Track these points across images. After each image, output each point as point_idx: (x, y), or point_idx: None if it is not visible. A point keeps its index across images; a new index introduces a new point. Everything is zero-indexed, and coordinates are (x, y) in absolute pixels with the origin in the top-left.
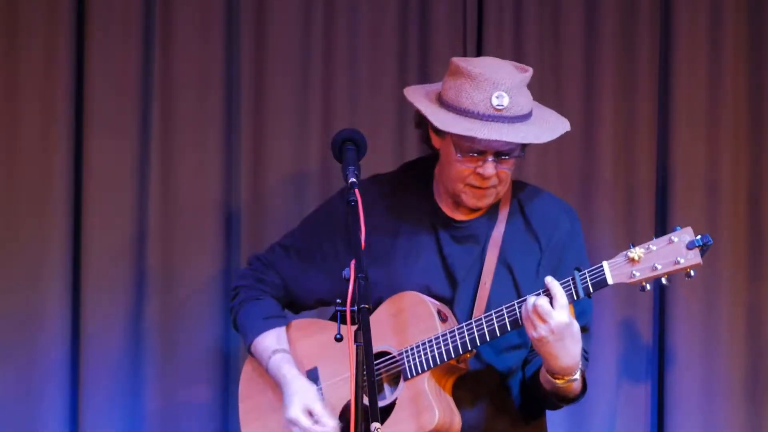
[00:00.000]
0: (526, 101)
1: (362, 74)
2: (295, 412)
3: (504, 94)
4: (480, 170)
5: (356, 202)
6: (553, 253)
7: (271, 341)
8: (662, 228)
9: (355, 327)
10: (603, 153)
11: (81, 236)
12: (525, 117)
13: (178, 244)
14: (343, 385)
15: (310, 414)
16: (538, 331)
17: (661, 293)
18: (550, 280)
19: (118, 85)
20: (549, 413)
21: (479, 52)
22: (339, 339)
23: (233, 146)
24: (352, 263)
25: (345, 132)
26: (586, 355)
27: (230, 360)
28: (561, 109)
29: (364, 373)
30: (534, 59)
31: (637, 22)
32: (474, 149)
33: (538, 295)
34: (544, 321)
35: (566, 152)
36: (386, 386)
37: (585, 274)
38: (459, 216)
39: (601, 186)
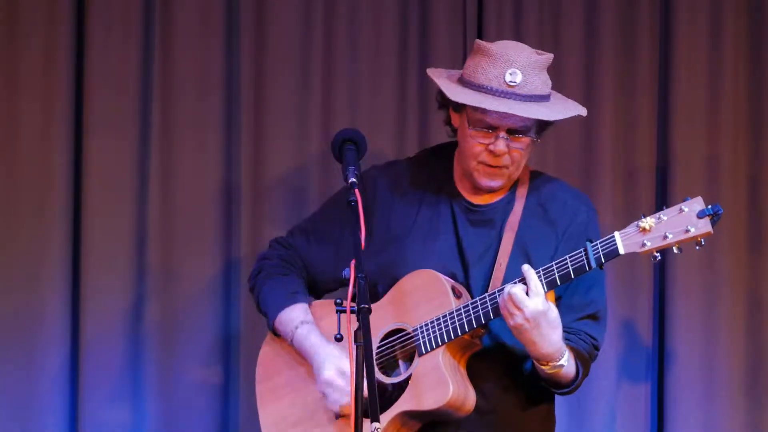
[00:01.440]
0: (541, 83)
1: (362, 74)
2: (329, 373)
3: (517, 71)
4: (492, 147)
5: (356, 202)
6: (570, 241)
7: (298, 313)
8: None
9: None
10: (603, 152)
11: (81, 236)
12: (539, 98)
13: (177, 244)
14: None
15: (344, 375)
16: (514, 320)
17: (661, 293)
18: (527, 269)
19: (118, 85)
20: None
21: None
22: (339, 339)
23: (233, 146)
24: (352, 263)
25: (345, 132)
26: (595, 342)
27: (230, 359)
28: None
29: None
30: None
31: (637, 22)
32: (486, 124)
33: (515, 283)
34: (519, 309)
35: (566, 152)
36: (401, 363)
37: (597, 245)
38: (477, 200)
39: (601, 185)
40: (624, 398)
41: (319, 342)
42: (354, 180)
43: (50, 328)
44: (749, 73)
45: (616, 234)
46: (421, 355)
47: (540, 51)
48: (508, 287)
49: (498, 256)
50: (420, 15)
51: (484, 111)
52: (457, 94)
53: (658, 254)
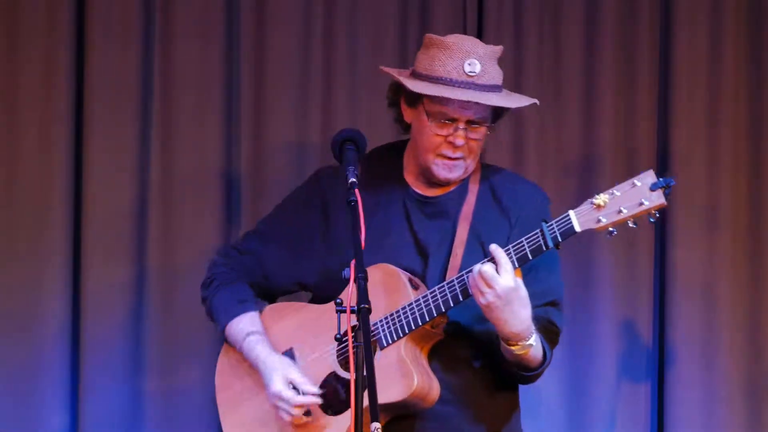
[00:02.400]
0: (496, 74)
1: (362, 74)
2: (278, 386)
3: (476, 61)
4: (451, 138)
5: (356, 202)
6: (523, 229)
7: (245, 324)
8: (662, 228)
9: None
10: (603, 152)
11: (81, 236)
12: (496, 88)
13: (178, 244)
14: (319, 362)
15: (292, 385)
16: (485, 297)
17: (661, 293)
18: (495, 248)
19: (118, 85)
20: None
21: None
22: (339, 339)
23: (233, 146)
24: (352, 263)
25: (345, 132)
26: (554, 328)
27: None
28: (561, 109)
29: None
30: (534, 59)
31: (637, 22)
32: (446, 116)
33: (484, 263)
34: (490, 286)
35: (566, 152)
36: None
37: (552, 224)
38: (430, 193)
39: (601, 185)
40: (624, 398)
41: (263, 354)
42: (354, 180)
43: (50, 328)
44: (749, 73)
45: (571, 212)
46: (382, 348)
47: (497, 45)
48: (478, 266)
49: (453, 247)
50: (420, 15)
51: (444, 103)
52: (418, 86)
53: (614, 230)
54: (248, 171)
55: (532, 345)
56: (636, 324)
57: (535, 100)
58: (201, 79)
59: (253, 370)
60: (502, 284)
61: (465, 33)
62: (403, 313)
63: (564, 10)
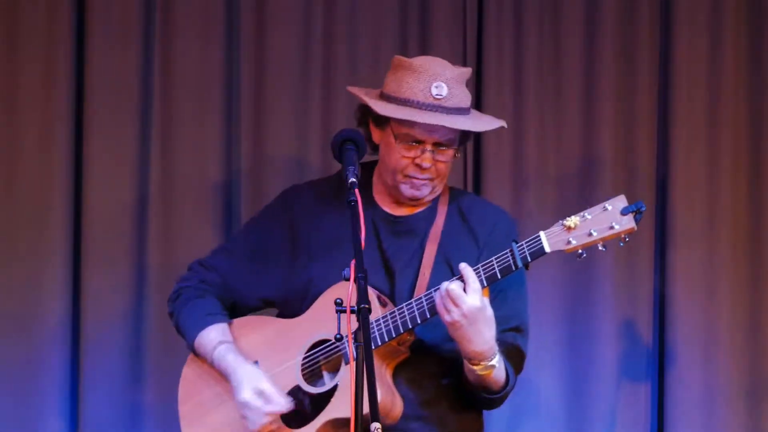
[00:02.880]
0: (464, 96)
1: (362, 74)
2: (247, 394)
3: (443, 84)
4: (418, 160)
5: (356, 202)
6: (491, 250)
7: (215, 334)
8: (662, 228)
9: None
10: (603, 153)
11: (81, 236)
12: (463, 110)
13: (178, 244)
14: (284, 376)
15: (261, 395)
16: (451, 315)
17: (661, 293)
18: (464, 266)
19: (118, 85)
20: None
21: (479, 52)
22: (339, 339)
23: (233, 146)
24: (352, 263)
25: (345, 132)
26: (519, 353)
27: None
28: (561, 109)
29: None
30: (534, 59)
31: (637, 22)
32: (413, 138)
33: (452, 281)
34: (456, 305)
35: (566, 152)
36: (326, 374)
37: (522, 245)
38: (398, 212)
39: (601, 185)
40: (624, 398)
41: (235, 362)
42: (354, 180)
43: (50, 328)
44: (749, 73)
45: (541, 233)
46: (347, 363)
47: (458, 66)
48: (446, 284)
49: (422, 266)
50: (420, 15)
51: (411, 125)
52: (385, 108)
53: (584, 252)
54: (248, 171)
55: (495, 366)
56: (636, 324)
57: (503, 123)
58: (201, 79)
59: (219, 379)
60: (468, 303)
61: (465, 33)
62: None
63: (564, 10)
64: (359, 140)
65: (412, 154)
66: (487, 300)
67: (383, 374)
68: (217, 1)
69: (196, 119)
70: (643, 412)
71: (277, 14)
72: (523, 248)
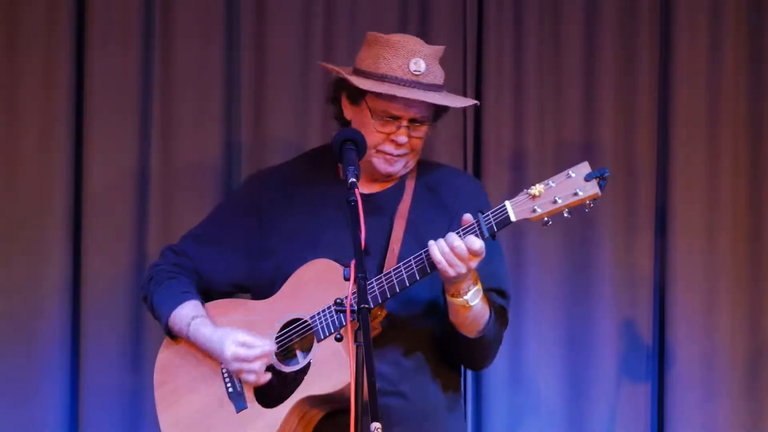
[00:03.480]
0: (440, 73)
1: None
2: (231, 348)
3: (421, 60)
4: (394, 136)
5: (356, 202)
6: (459, 221)
7: (189, 309)
8: (662, 227)
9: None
10: (603, 153)
11: (81, 236)
12: (439, 87)
13: None
14: None
15: (244, 344)
16: (456, 270)
17: (661, 293)
18: (469, 217)
19: (118, 85)
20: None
21: (479, 53)
22: (339, 339)
23: (233, 146)
24: (352, 263)
25: (345, 132)
26: (503, 312)
27: None
28: (561, 109)
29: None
30: (534, 59)
31: (637, 22)
32: (390, 114)
33: (453, 239)
34: (462, 260)
35: (566, 152)
36: (299, 353)
37: (488, 215)
38: (365, 190)
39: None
40: (624, 398)
41: (210, 329)
42: (354, 180)
43: (50, 327)
44: (749, 73)
45: (507, 203)
46: (319, 341)
47: (431, 44)
48: (458, 239)
49: (390, 242)
50: (420, 15)
51: (388, 101)
52: (365, 83)
53: (549, 219)
54: (248, 171)
55: (480, 290)
56: (636, 324)
57: (475, 101)
58: (201, 79)
59: (196, 362)
60: (472, 259)
61: (465, 33)
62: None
63: (564, 10)
64: (359, 140)
65: (387, 129)
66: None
67: (355, 351)
68: (217, 1)
69: (196, 119)
70: (643, 412)
71: (277, 14)
72: (489, 218)
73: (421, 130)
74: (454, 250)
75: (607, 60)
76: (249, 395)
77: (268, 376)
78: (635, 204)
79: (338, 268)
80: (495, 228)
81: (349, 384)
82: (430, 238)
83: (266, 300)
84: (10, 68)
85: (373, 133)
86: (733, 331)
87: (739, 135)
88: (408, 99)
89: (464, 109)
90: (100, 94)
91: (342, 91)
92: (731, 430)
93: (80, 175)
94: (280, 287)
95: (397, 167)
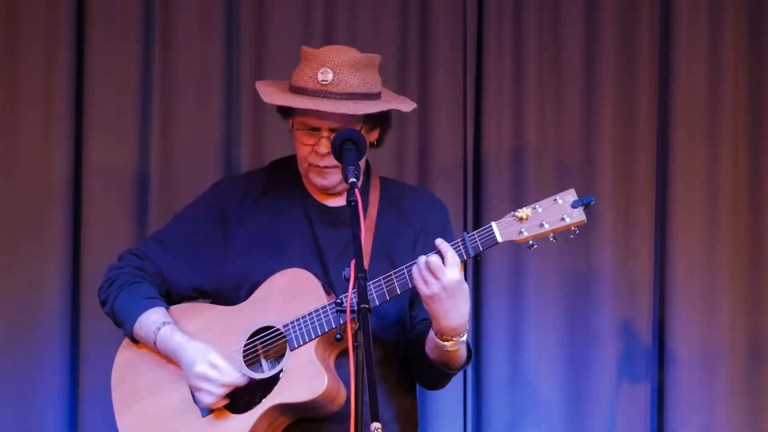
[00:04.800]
0: (358, 81)
1: None
2: (201, 367)
3: (329, 70)
4: (316, 148)
5: (356, 202)
6: (429, 236)
7: (157, 316)
8: (662, 228)
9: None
10: (603, 153)
11: (81, 236)
12: (359, 96)
13: None
14: (230, 358)
15: (215, 368)
16: (430, 288)
17: (661, 293)
18: (440, 242)
19: (118, 85)
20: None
21: (479, 53)
22: (339, 339)
23: (233, 146)
24: (352, 263)
25: (345, 132)
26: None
27: None
28: (561, 109)
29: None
30: (534, 59)
31: (637, 22)
32: (309, 125)
33: (430, 255)
34: (436, 277)
35: (566, 152)
36: (266, 362)
37: (474, 234)
38: (330, 202)
39: (601, 186)
40: (624, 398)
41: (184, 340)
42: (354, 180)
43: (50, 327)
44: (749, 73)
45: (493, 224)
46: (293, 349)
47: (370, 54)
48: (423, 258)
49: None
50: (420, 15)
51: (304, 113)
52: (272, 97)
53: (534, 243)
54: (249, 169)
55: (464, 342)
56: (636, 324)
57: (407, 107)
58: (201, 78)
59: (159, 364)
60: (449, 276)
61: (465, 33)
62: (316, 316)
63: (564, 10)
64: (359, 140)
65: (311, 141)
66: (462, 274)
67: (327, 362)
68: (217, 1)
69: (196, 119)
70: (643, 413)
71: (277, 14)
72: (475, 238)
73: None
74: (429, 266)
75: (607, 60)
76: None
77: (224, 403)
78: (635, 204)
79: (312, 278)
80: (480, 248)
81: (323, 393)
82: (398, 254)
83: (234, 306)
84: (10, 67)
85: (300, 146)
86: (733, 331)
87: (739, 135)
88: (320, 110)
89: (464, 109)
90: (100, 94)
91: (282, 115)
92: (731, 430)
93: (80, 174)
94: (246, 293)
95: (331, 180)
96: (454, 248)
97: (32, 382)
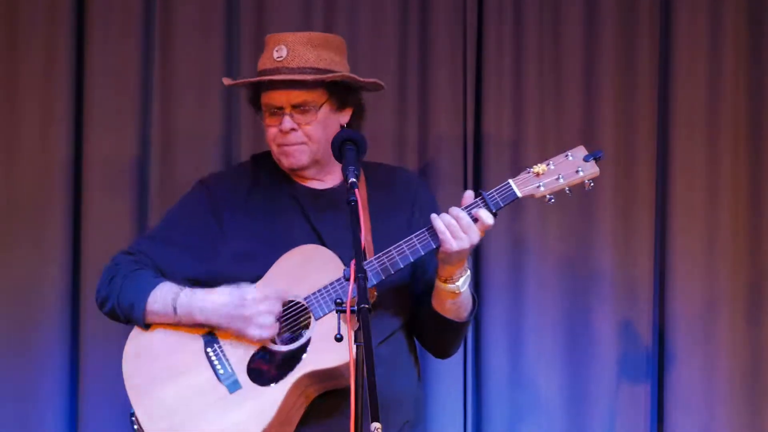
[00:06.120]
0: (314, 57)
1: (362, 74)
2: (251, 292)
3: (283, 46)
4: (281, 126)
5: (356, 202)
6: (423, 210)
7: (170, 287)
8: (662, 227)
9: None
10: (603, 152)
11: (81, 237)
12: (312, 70)
13: None
14: (243, 342)
15: (252, 299)
16: (460, 244)
17: (661, 293)
18: (469, 194)
19: (118, 84)
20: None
21: (479, 52)
22: (339, 339)
23: (233, 146)
24: (352, 263)
25: (345, 132)
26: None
27: None
28: (561, 109)
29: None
30: (534, 59)
31: (637, 22)
32: (272, 105)
33: (459, 211)
34: (466, 232)
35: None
36: (286, 334)
37: (492, 192)
38: (319, 186)
39: (600, 186)
40: (624, 398)
41: (205, 295)
42: (354, 180)
43: (50, 327)
44: (749, 73)
45: (510, 180)
46: (318, 318)
47: (329, 34)
48: (455, 213)
49: (363, 232)
50: (420, 15)
51: (267, 95)
52: (228, 81)
53: (552, 197)
54: None
55: (469, 276)
56: (636, 324)
57: (367, 80)
58: (201, 78)
59: (171, 349)
60: (476, 235)
61: (465, 33)
62: (338, 284)
63: (564, 10)
64: (359, 140)
65: (275, 121)
66: None
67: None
68: (217, 1)
69: (196, 117)
70: (643, 413)
71: (277, 14)
72: (494, 195)
73: (309, 116)
74: (459, 221)
75: (607, 60)
76: (242, 376)
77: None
78: (635, 204)
79: (326, 251)
80: (501, 203)
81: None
82: (394, 228)
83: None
84: (10, 66)
85: (266, 128)
86: (734, 332)
87: (739, 135)
88: (280, 89)
89: (464, 108)
90: (100, 94)
91: (251, 102)
92: (731, 430)
93: (80, 173)
94: (255, 278)
95: (300, 159)
96: (472, 207)
97: (32, 383)
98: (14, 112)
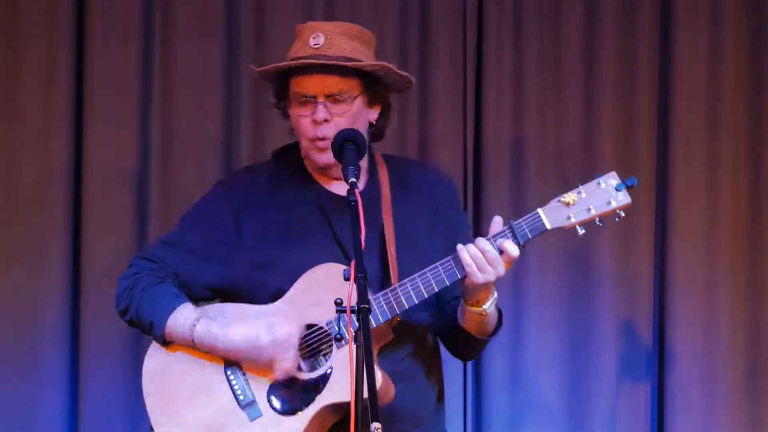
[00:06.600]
0: (351, 48)
1: None
2: (270, 333)
3: (320, 34)
4: (314, 116)
5: (356, 202)
6: (444, 217)
7: (190, 312)
8: (662, 228)
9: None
10: (603, 153)
11: (81, 235)
12: (347, 60)
13: None
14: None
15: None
16: (486, 277)
17: (661, 293)
18: (498, 219)
19: (118, 84)
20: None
21: (479, 52)
22: (339, 339)
23: (233, 147)
24: (352, 263)
25: (345, 132)
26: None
27: None
28: (561, 109)
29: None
30: (534, 59)
31: (637, 22)
32: (304, 94)
33: (484, 243)
34: (492, 266)
35: (566, 152)
36: (303, 361)
37: (521, 222)
38: (338, 189)
39: None
40: (624, 398)
41: (221, 328)
42: (354, 180)
43: (50, 327)
44: (749, 73)
45: (539, 210)
46: (339, 347)
47: (363, 28)
48: (481, 246)
49: (386, 243)
50: (420, 15)
51: (299, 83)
52: (264, 67)
53: (582, 228)
54: None
55: (496, 298)
56: (636, 324)
57: (405, 74)
58: (201, 78)
59: (191, 369)
60: (503, 268)
61: (465, 33)
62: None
63: (564, 10)
64: (359, 140)
65: (307, 111)
66: None
67: (376, 360)
68: (217, 1)
69: (196, 119)
70: (643, 413)
71: (277, 14)
72: (522, 225)
73: (343, 107)
74: (485, 254)
75: (607, 60)
76: (263, 403)
77: (297, 366)
78: (635, 205)
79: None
80: (529, 235)
81: (379, 390)
82: (418, 233)
83: (270, 306)
84: (10, 67)
85: (297, 120)
86: (733, 332)
87: (739, 136)
88: (316, 74)
89: (464, 108)
90: (100, 94)
91: (277, 98)
92: (731, 430)
93: (80, 174)
94: (269, 292)
95: (331, 156)
96: (501, 237)
97: (32, 383)
98: (14, 111)
